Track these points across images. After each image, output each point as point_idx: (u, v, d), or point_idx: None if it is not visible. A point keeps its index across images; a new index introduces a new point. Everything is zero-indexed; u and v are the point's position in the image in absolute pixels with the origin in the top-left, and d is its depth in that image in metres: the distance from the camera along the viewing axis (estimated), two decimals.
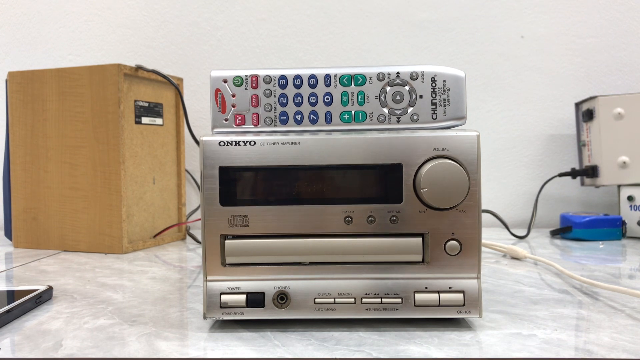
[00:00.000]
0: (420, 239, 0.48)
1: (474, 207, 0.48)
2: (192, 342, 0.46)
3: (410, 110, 0.50)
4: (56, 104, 0.91)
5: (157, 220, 0.98)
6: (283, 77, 0.50)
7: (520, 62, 1.16)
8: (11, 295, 0.56)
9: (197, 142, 0.97)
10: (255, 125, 0.50)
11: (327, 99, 0.50)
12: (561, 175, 1.10)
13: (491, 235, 1.01)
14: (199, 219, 0.82)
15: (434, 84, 0.49)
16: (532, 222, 1.06)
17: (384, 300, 0.48)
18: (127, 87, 0.90)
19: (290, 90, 0.50)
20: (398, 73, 0.50)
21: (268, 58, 1.18)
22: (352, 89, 0.50)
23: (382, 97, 0.50)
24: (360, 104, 0.50)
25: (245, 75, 0.50)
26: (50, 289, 0.60)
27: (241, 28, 1.18)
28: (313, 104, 0.50)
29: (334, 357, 0.42)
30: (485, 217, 1.03)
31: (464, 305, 0.48)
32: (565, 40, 1.15)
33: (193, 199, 1.19)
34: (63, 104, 0.91)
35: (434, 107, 0.49)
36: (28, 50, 1.21)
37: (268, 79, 0.50)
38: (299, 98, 0.50)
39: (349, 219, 0.48)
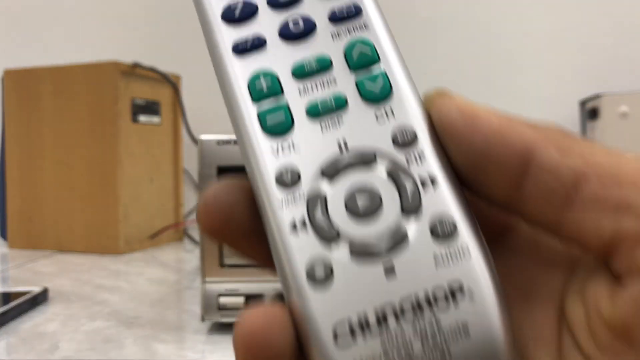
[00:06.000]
0: None
1: None
2: (189, 344, 0.45)
3: None
4: (52, 102, 0.90)
5: (154, 220, 0.97)
6: None
7: (524, 60, 1.15)
8: (6, 297, 0.55)
9: (196, 141, 0.96)
10: None
11: None
12: None
13: None
14: None
15: None
16: None
17: None
18: (124, 84, 0.89)
19: None
20: None
21: None
22: None
23: None
24: None
25: None
26: (46, 290, 0.59)
27: None
28: None
29: None
30: None
31: None
32: (569, 38, 1.15)
33: (191, 199, 1.18)
34: (59, 102, 0.90)
35: None
36: (24, 48, 1.20)
37: None
38: None
39: None
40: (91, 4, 1.19)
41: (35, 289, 0.58)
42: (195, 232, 1.03)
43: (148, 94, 0.95)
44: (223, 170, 0.47)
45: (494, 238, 0.17)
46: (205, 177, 0.47)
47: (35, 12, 1.20)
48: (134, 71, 0.91)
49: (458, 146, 0.16)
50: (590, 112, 1.05)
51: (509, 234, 0.18)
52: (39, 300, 0.57)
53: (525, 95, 1.16)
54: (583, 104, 1.09)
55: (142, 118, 0.93)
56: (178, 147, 1.03)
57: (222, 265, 0.48)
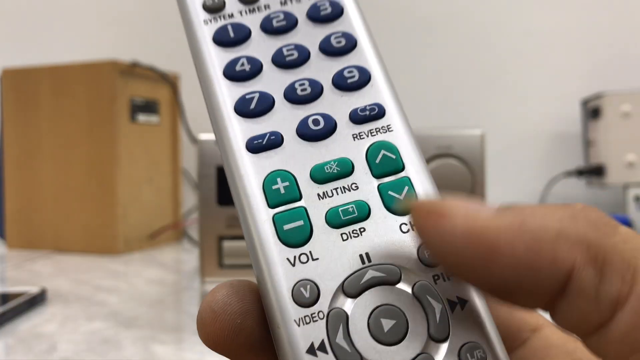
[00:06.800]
0: None
1: None
2: (188, 346, 0.45)
3: None
4: (50, 101, 0.90)
5: (153, 220, 0.97)
6: None
7: (526, 59, 1.15)
8: (4, 298, 0.55)
9: (195, 141, 0.96)
10: None
11: None
12: (567, 174, 1.09)
13: None
14: (197, 220, 0.81)
15: None
16: None
17: None
18: (123, 84, 0.89)
19: None
20: None
21: None
22: None
23: None
24: None
25: None
26: (44, 291, 0.58)
27: None
28: None
29: None
30: None
31: None
32: (571, 37, 1.14)
33: (190, 198, 1.17)
34: (57, 102, 0.90)
35: None
36: (22, 47, 1.20)
37: None
38: None
39: None
40: (89, 3, 1.18)
41: (33, 289, 0.58)
42: (194, 232, 1.03)
43: (147, 93, 0.95)
44: (222, 170, 0.47)
45: (519, 344, 0.17)
46: (205, 176, 0.47)
47: (34, 12, 1.19)
48: (133, 70, 0.90)
49: (474, 280, 0.14)
50: (592, 112, 1.05)
51: (533, 335, 0.17)
52: (37, 300, 0.57)
53: (526, 94, 1.15)
54: (585, 103, 1.09)
55: (141, 117, 0.93)
56: (177, 146, 1.03)
57: (221, 265, 0.47)
